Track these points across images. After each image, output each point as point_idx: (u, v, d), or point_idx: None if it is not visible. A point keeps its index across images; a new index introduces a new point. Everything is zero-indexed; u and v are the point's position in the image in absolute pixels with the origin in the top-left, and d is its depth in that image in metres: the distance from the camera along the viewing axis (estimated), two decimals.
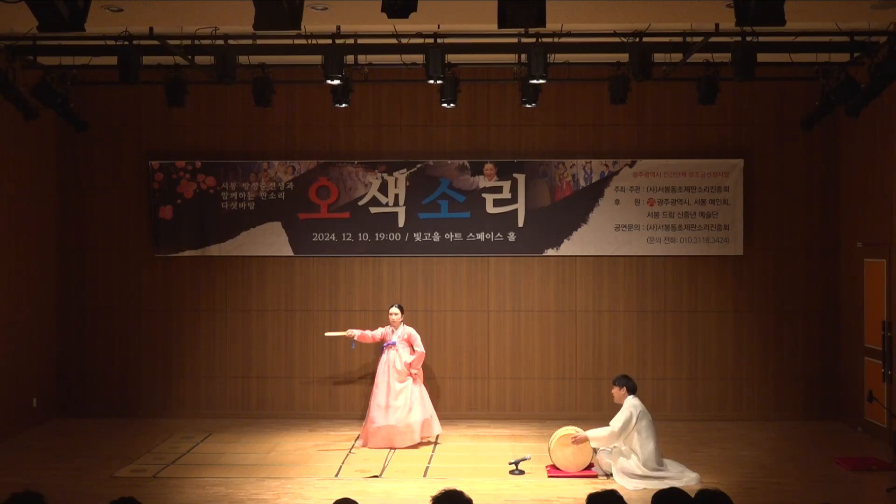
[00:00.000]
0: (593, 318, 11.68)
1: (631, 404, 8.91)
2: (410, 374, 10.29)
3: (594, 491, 4.18)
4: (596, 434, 8.92)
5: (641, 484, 8.59)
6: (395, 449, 9.97)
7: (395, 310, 10.52)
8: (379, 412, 10.17)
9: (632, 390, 9.06)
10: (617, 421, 8.87)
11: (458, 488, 4.15)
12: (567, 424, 9.38)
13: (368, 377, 10.94)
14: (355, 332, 10.60)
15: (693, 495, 4.25)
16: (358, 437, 10.39)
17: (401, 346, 10.36)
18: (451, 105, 10.04)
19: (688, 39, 8.94)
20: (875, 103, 9.10)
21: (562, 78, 10.39)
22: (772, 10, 5.63)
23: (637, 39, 8.83)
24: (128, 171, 11.85)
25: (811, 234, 11.58)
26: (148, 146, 11.81)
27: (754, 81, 9.40)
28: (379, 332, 10.52)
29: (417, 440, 10.08)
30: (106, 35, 8.82)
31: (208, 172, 11.68)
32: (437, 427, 10.35)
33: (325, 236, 11.66)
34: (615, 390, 9.16)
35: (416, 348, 10.36)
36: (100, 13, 8.06)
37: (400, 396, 10.21)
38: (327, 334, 10.87)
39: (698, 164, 11.53)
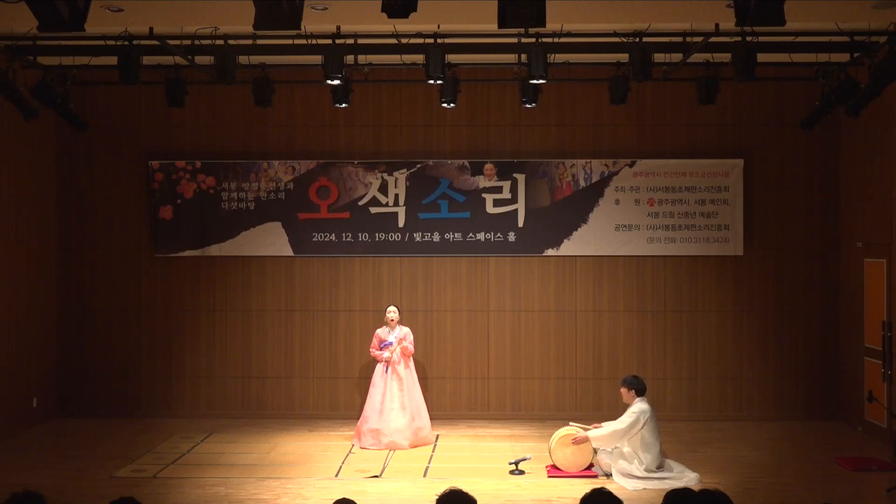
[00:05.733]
0: (593, 318, 11.68)
1: (639, 408, 8.87)
2: (399, 347, 10.26)
3: (587, 493, 4.15)
4: (598, 434, 8.90)
5: (641, 484, 8.58)
6: (382, 450, 9.96)
7: (392, 308, 10.52)
8: (373, 413, 10.17)
9: (640, 392, 9.01)
10: (621, 423, 8.84)
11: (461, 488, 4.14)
12: (567, 424, 9.36)
13: (368, 378, 10.92)
14: (383, 355, 10.38)
15: None
16: None
17: (397, 347, 10.35)
18: (451, 105, 10.04)
19: (688, 39, 8.94)
20: (875, 103, 9.09)
21: (562, 78, 10.40)
22: (772, 10, 5.63)
23: (637, 39, 8.83)
24: (128, 171, 11.85)
25: (811, 234, 11.58)
26: (148, 146, 11.81)
27: (754, 81, 9.40)
28: (376, 341, 10.48)
29: (406, 446, 10.05)
30: (106, 35, 8.81)
31: (208, 172, 11.68)
32: (429, 438, 10.34)
33: (325, 236, 11.66)
34: (624, 391, 9.10)
35: (406, 343, 10.36)
36: (100, 13, 8.06)
37: (396, 400, 10.20)
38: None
39: (698, 164, 11.53)
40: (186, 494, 8.27)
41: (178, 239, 11.70)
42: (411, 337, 10.52)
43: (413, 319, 11.32)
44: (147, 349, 11.81)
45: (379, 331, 10.55)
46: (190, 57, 9.25)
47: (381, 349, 10.40)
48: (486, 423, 11.39)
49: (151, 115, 11.77)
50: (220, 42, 8.99)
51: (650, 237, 11.56)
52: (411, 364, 10.48)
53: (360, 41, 9.10)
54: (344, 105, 10.11)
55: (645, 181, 11.55)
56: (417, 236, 11.65)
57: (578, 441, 8.88)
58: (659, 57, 9.31)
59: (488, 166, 11.57)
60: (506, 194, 11.58)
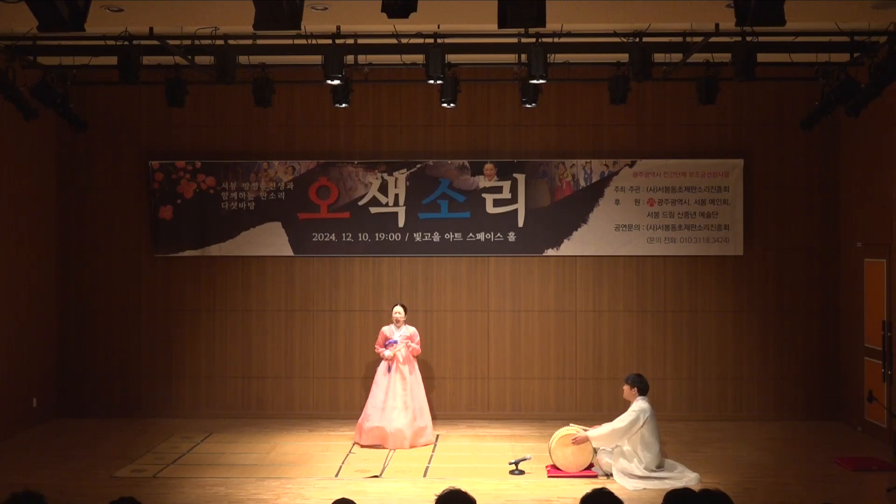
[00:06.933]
0: (593, 318, 11.67)
1: (640, 407, 8.87)
2: (406, 348, 10.28)
3: (587, 492, 4.16)
4: (598, 433, 8.90)
5: (641, 484, 8.58)
6: (382, 449, 9.97)
7: (398, 309, 10.53)
8: (375, 412, 10.17)
9: (643, 391, 9.02)
10: (621, 421, 8.85)
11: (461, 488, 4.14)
12: (567, 424, 9.36)
13: (369, 377, 10.94)
14: (385, 353, 10.40)
15: None
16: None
17: (403, 346, 10.36)
18: (451, 105, 10.04)
19: (688, 39, 8.94)
20: (875, 103, 9.09)
21: (562, 78, 10.40)
22: (772, 10, 5.63)
23: (637, 39, 8.83)
24: (128, 171, 11.85)
25: (811, 234, 11.58)
26: (148, 146, 11.81)
27: (754, 81, 9.39)
28: (382, 339, 10.49)
29: (407, 446, 10.06)
30: (106, 35, 8.82)
31: (208, 172, 11.68)
32: (430, 437, 10.34)
33: (325, 236, 11.66)
34: (626, 388, 9.11)
35: (414, 345, 10.39)
36: (100, 13, 8.06)
37: (398, 399, 10.20)
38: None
39: (698, 164, 11.53)
40: (186, 494, 8.27)
41: (178, 239, 11.70)
42: (418, 337, 10.53)
43: (413, 319, 11.30)
44: (147, 349, 11.81)
45: (385, 328, 10.56)
46: (190, 57, 9.25)
47: (385, 347, 10.41)
48: (486, 423, 11.39)
49: (151, 115, 11.76)
50: (220, 42, 8.99)
51: (650, 237, 11.56)
52: (415, 363, 10.48)
53: (360, 41, 9.10)
54: (344, 105, 10.11)
55: (645, 181, 11.54)
56: (417, 236, 11.65)
57: (578, 441, 8.88)
58: (659, 57, 9.31)
59: (488, 166, 11.57)
60: (506, 194, 11.58)
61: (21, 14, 6.18)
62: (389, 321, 10.61)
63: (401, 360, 10.28)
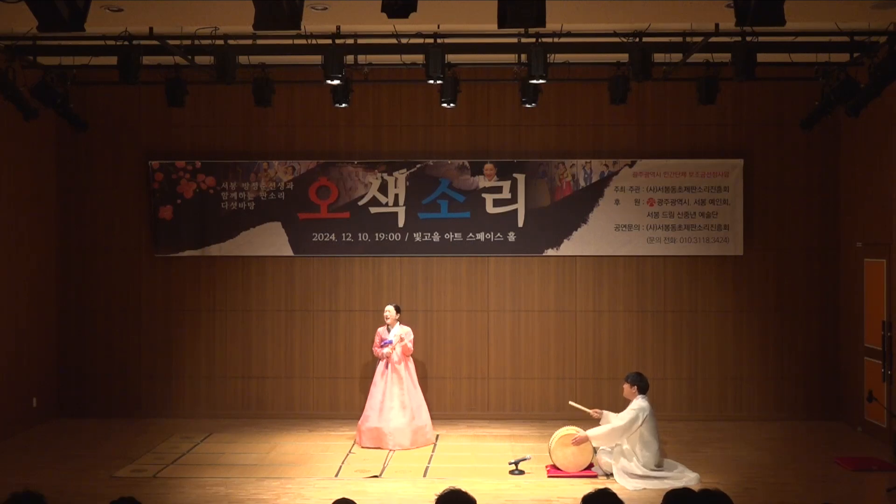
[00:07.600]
0: (593, 318, 11.68)
1: (639, 406, 8.88)
2: (399, 345, 10.23)
3: (589, 492, 4.16)
4: (597, 433, 8.90)
5: (641, 484, 8.59)
6: (382, 449, 9.97)
7: (389, 308, 10.51)
8: (373, 412, 10.17)
9: (643, 390, 9.03)
10: (621, 419, 8.86)
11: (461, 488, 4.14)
12: (566, 424, 9.37)
13: (368, 377, 10.93)
14: (383, 351, 10.37)
15: None
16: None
17: (398, 345, 10.35)
18: (451, 105, 10.04)
19: (688, 39, 8.94)
20: (875, 103, 9.09)
21: (562, 78, 10.40)
22: (772, 10, 5.63)
23: (637, 39, 8.83)
24: (128, 171, 11.85)
25: (811, 234, 11.58)
26: (148, 146, 11.81)
27: (754, 81, 9.39)
28: (378, 339, 10.47)
29: (408, 445, 10.05)
30: (106, 35, 8.82)
31: (208, 172, 11.68)
32: (430, 437, 10.34)
33: (325, 236, 11.66)
34: (626, 387, 9.12)
35: (406, 342, 10.32)
36: (100, 13, 8.06)
37: (396, 399, 10.20)
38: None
39: (698, 164, 11.53)
40: (186, 494, 8.28)
41: (178, 239, 11.70)
42: (411, 336, 10.52)
43: (413, 319, 11.31)
44: (147, 349, 11.82)
45: (380, 329, 10.56)
46: (190, 57, 9.25)
47: (381, 347, 10.42)
48: (486, 423, 11.39)
49: (151, 115, 11.76)
50: (220, 42, 8.99)
51: (650, 237, 11.56)
52: (411, 363, 10.48)
53: (360, 41, 9.10)
54: (344, 105, 10.11)
55: (645, 181, 11.55)
56: (417, 236, 11.65)
57: (578, 441, 8.89)
58: (659, 57, 9.31)
59: (488, 166, 11.58)
60: (506, 194, 11.58)
61: (21, 14, 6.18)
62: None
63: (396, 359, 10.27)
